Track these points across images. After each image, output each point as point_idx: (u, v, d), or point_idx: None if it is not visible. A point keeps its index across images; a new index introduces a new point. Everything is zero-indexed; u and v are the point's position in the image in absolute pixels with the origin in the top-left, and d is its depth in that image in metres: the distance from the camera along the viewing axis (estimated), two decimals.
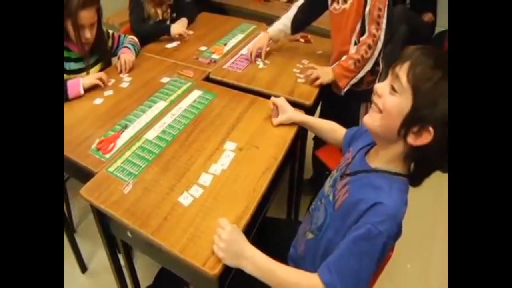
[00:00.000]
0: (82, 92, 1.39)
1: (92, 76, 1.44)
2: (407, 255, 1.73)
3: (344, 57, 1.43)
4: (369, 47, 1.35)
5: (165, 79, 1.53)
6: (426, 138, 0.72)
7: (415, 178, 0.81)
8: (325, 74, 1.45)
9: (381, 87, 0.80)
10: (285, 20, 1.61)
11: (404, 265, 1.74)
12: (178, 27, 1.88)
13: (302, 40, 1.81)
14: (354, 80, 1.44)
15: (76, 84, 1.38)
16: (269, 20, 2.32)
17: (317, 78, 1.45)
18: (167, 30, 1.86)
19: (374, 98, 0.82)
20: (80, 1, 1.32)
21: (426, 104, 0.71)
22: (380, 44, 1.36)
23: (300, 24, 1.62)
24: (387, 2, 1.31)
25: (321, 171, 1.83)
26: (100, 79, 1.43)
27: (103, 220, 1.08)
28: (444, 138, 0.69)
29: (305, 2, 1.59)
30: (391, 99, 0.77)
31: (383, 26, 1.33)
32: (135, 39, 1.74)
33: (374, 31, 1.33)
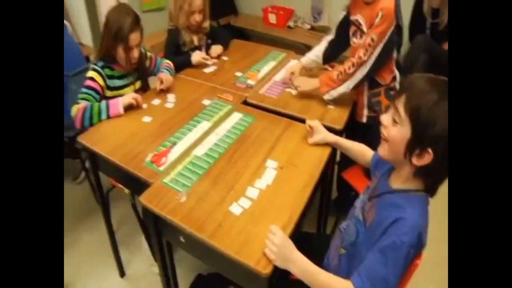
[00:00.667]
0: (122, 112, 1.56)
1: (128, 96, 1.60)
2: (428, 275, 1.80)
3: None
4: (353, 65, 1.52)
5: (206, 101, 1.68)
6: (427, 158, 0.84)
7: (429, 190, 0.93)
8: (305, 84, 1.68)
9: (386, 119, 0.93)
10: (317, 52, 1.80)
11: (427, 285, 1.81)
12: (197, 55, 2.01)
13: (330, 69, 1.96)
14: (334, 92, 1.60)
15: (116, 105, 1.55)
16: (295, 47, 2.48)
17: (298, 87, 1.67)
18: (188, 62, 2.01)
19: (381, 129, 0.95)
20: (131, 26, 1.57)
21: (424, 129, 0.83)
22: (365, 70, 1.51)
23: (329, 56, 1.80)
24: (384, 41, 1.44)
25: (346, 193, 1.95)
26: (135, 99, 1.59)
27: (158, 226, 1.21)
28: (443, 155, 0.81)
29: (334, 38, 1.78)
30: (394, 130, 0.90)
31: (372, 56, 1.47)
32: (171, 64, 1.91)
33: (361, 54, 1.49)
